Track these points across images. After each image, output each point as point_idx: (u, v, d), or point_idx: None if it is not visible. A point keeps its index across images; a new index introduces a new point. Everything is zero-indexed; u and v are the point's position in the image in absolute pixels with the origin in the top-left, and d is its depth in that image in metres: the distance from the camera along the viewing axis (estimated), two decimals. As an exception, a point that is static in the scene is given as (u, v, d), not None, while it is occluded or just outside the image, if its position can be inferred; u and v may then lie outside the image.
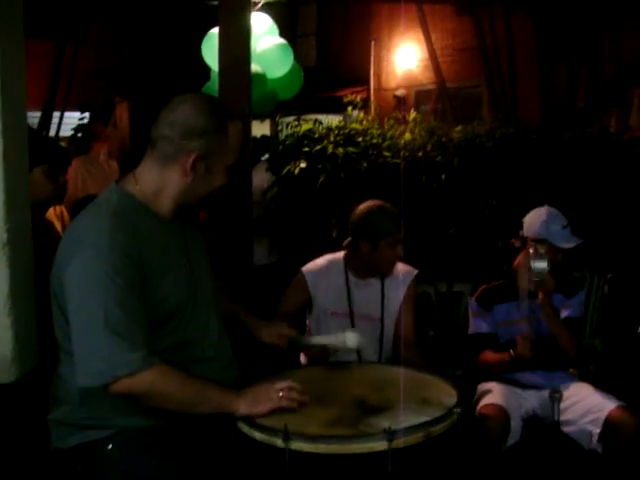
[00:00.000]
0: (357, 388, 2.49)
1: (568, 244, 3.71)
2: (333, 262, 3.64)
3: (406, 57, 13.23)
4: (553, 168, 4.92)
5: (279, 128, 10.21)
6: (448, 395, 2.41)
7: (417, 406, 2.31)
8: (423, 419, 2.19)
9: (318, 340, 3.00)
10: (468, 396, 3.61)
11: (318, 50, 16.15)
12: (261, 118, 6.93)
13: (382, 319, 3.56)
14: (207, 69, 5.03)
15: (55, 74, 10.36)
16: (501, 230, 4.52)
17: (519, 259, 3.81)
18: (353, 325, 3.53)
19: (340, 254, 3.66)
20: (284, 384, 2.26)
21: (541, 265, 3.41)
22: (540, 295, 3.55)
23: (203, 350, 2.33)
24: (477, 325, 3.80)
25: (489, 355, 3.71)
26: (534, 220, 3.76)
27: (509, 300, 3.74)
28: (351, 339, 2.83)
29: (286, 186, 4.93)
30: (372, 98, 13.40)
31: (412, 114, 5.06)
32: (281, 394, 2.23)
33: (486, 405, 3.42)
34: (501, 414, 3.35)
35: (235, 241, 4.51)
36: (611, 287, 5.26)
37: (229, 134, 2.22)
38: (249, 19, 4.50)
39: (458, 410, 2.28)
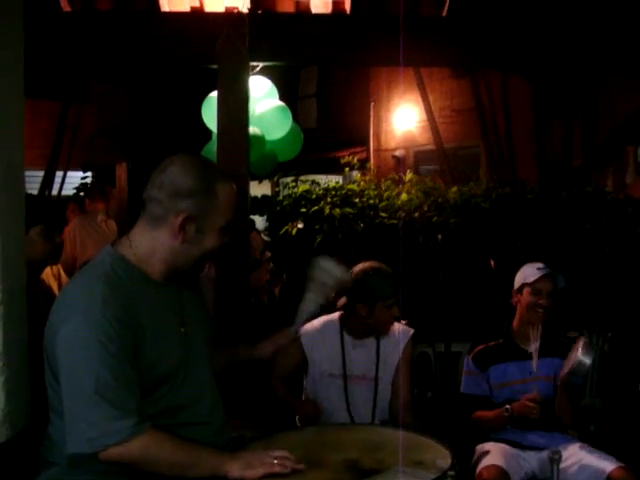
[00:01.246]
0: (350, 451, 2.45)
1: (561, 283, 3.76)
2: (329, 323, 3.64)
3: (405, 118, 13.41)
4: (549, 228, 4.95)
5: (277, 189, 10.31)
6: (442, 457, 2.37)
7: (411, 469, 2.27)
8: (417, 482, 2.16)
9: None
10: (467, 457, 3.61)
11: (319, 112, 16.37)
12: (260, 179, 6.98)
13: (376, 379, 3.55)
14: (208, 131, 5.09)
15: (59, 133, 10.50)
16: (498, 290, 4.52)
17: (517, 319, 3.82)
18: (346, 387, 3.53)
19: (335, 315, 3.67)
20: (279, 453, 2.24)
21: (588, 360, 3.41)
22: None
23: (196, 414, 2.30)
24: (470, 385, 3.79)
25: (482, 414, 3.70)
26: (528, 270, 3.80)
27: (506, 360, 3.73)
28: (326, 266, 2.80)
29: (283, 247, 4.95)
30: (371, 158, 13.54)
31: (408, 175, 5.11)
32: (276, 461, 2.20)
33: (486, 467, 3.38)
34: (501, 475, 3.32)
35: (233, 302, 4.51)
36: (611, 346, 5.25)
37: (219, 195, 2.22)
38: (247, 82, 4.57)
39: (452, 473, 2.24)
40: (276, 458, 2.20)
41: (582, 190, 5.46)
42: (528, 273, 3.80)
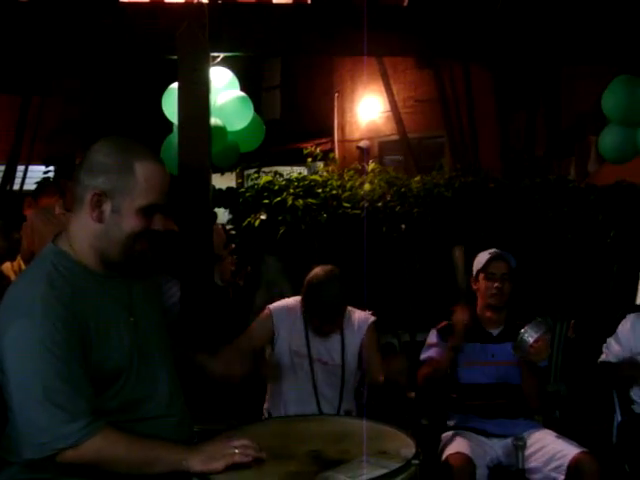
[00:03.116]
0: (314, 442, 2.43)
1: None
2: (297, 305, 3.64)
3: (369, 109, 13.43)
4: (512, 216, 4.98)
5: (240, 180, 10.25)
6: (407, 447, 2.36)
7: (375, 458, 2.26)
8: (381, 472, 2.15)
9: None
10: (433, 445, 3.61)
11: (283, 103, 16.34)
12: (222, 171, 6.92)
13: (343, 367, 3.56)
14: (170, 123, 5.03)
15: (19, 127, 10.36)
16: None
17: (479, 305, 3.83)
18: (312, 369, 3.54)
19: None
20: (240, 442, 2.22)
21: (528, 336, 3.40)
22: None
23: (153, 408, 2.25)
24: (428, 351, 3.79)
25: (424, 368, 3.71)
26: (480, 256, 3.84)
27: (470, 341, 3.73)
28: None
29: (247, 238, 4.92)
30: (336, 149, 13.54)
31: (371, 165, 5.11)
32: (236, 451, 2.18)
33: (452, 454, 3.38)
34: (467, 463, 3.32)
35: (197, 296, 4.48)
36: (575, 332, 5.30)
37: (136, 173, 2.14)
38: (208, 73, 4.52)
39: (417, 462, 2.24)
40: (237, 447, 2.18)
41: (545, 179, 5.50)
42: (481, 259, 3.82)
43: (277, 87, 16.71)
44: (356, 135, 14.09)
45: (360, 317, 3.65)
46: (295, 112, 15.56)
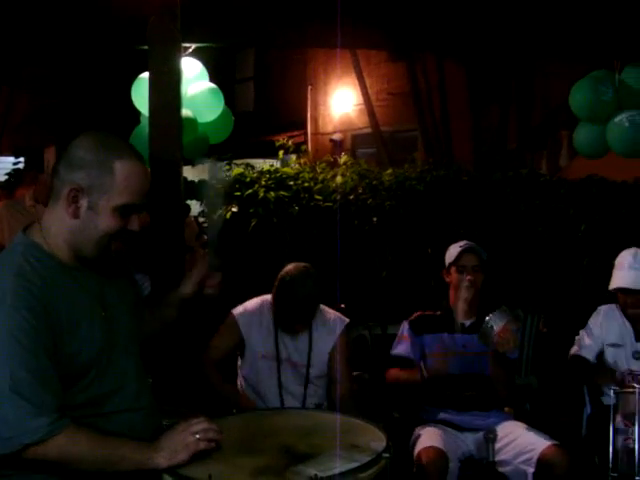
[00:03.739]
0: (285, 436, 2.42)
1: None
2: (264, 305, 3.56)
3: (342, 102, 13.41)
4: (484, 209, 4.99)
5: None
6: (377, 440, 2.35)
7: (346, 452, 2.25)
8: (352, 465, 2.14)
9: None
10: (405, 439, 3.59)
11: (256, 95, 16.26)
12: (193, 163, 6.86)
13: (308, 366, 3.51)
14: (138, 113, 4.98)
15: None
16: (433, 270, 4.55)
17: (451, 297, 3.83)
18: (279, 370, 3.49)
19: (269, 297, 3.61)
20: (199, 426, 2.18)
21: (492, 322, 3.39)
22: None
23: (122, 401, 2.22)
24: (399, 347, 3.78)
25: (394, 372, 3.71)
26: (451, 250, 3.82)
27: (441, 331, 3.74)
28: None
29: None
30: (309, 142, 13.51)
31: (343, 157, 5.09)
32: (197, 436, 2.16)
33: (424, 448, 3.36)
34: (439, 457, 3.30)
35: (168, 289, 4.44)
36: (546, 325, 5.33)
37: (115, 171, 2.10)
38: (179, 64, 4.49)
39: (387, 455, 2.23)
40: (197, 432, 2.15)
41: (517, 172, 5.52)
42: (452, 252, 3.82)
43: (250, 79, 16.63)
44: (329, 128, 14.07)
45: (334, 318, 3.58)
46: (268, 104, 15.50)
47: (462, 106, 10.14)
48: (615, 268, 3.89)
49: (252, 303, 3.58)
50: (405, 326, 3.82)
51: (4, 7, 4.39)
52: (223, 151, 5.50)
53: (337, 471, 2.10)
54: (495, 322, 3.36)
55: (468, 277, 3.72)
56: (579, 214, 5.31)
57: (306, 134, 14.15)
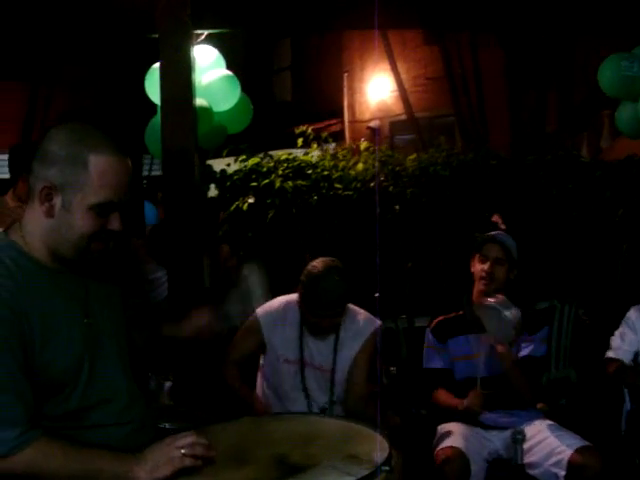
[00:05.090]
0: (281, 444, 2.25)
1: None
2: (289, 305, 3.37)
3: (379, 88, 13.21)
4: (513, 194, 4.76)
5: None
6: (380, 450, 2.17)
7: (342, 464, 2.07)
8: (347, 479, 1.97)
9: None
10: (431, 437, 3.46)
11: (293, 85, 16.16)
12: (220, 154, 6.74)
13: (333, 371, 3.33)
14: (154, 105, 4.86)
15: (29, 115, 10.42)
16: (461, 261, 4.35)
17: (475, 290, 3.62)
18: (303, 374, 3.32)
19: (295, 297, 3.39)
20: (186, 440, 2.03)
21: (507, 312, 3.21)
22: (500, 348, 3.37)
23: (107, 415, 2.08)
24: (431, 359, 3.61)
25: (441, 397, 3.53)
26: (480, 238, 3.63)
27: (466, 333, 3.54)
28: None
29: (236, 223, 4.73)
30: (346, 130, 13.36)
31: (363, 144, 4.89)
32: (183, 451, 2.00)
33: (444, 448, 3.23)
34: (459, 457, 3.16)
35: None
36: (585, 315, 5.11)
37: (90, 167, 1.96)
38: (190, 52, 4.36)
39: (387, 468, 2.05)
40: (183, 447, 1.99)
41: (555, 155, 5.28)
42: (478, 241, 3.61)
43: (287, 68, 16.55)
44: (366, 115, 13.86)
45: (364, 319, 3.38)
46: (306, 93, 15.37)
47: (498, 90, 9.90)
48: None
49: (276, 302, 3.40)
50: (428, 336, 3.64)
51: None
52: (261, 142, 5.37)
53: (328, 487, 1.94)
54: (505, 310, 3.21)
55: (487, 268, 3.49)
56: (616, 197, 5.04)
57: (343, 122, 13.98)
